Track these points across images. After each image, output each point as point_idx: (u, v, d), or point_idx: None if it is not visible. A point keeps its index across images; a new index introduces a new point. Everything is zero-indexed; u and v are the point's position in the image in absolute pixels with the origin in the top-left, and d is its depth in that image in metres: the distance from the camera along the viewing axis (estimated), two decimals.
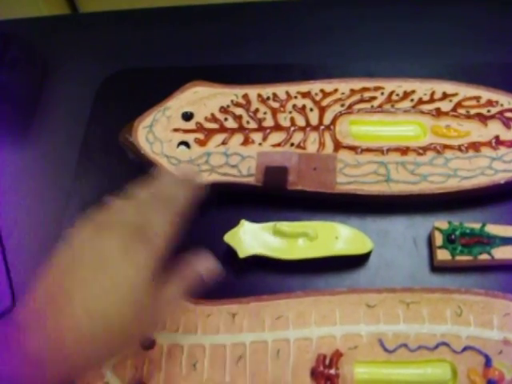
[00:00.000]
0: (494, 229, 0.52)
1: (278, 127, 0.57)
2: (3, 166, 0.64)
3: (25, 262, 0.58)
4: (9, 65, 0.71)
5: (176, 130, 0.58)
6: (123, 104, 0.65)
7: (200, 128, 0.58)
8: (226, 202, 0.57)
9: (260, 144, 0.57)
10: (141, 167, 0.59)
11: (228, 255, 0.54)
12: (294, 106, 0.59)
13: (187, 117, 0.59)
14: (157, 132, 0.58)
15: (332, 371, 0.46)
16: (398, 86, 0.59)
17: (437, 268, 0.53)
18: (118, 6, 0.76)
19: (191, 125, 0.58)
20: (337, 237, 0.52)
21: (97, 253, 0.39)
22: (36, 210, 0.61)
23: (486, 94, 0.58)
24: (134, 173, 0.59)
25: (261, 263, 0.53)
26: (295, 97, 0.59)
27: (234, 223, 0.54)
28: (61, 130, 0.65)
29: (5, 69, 0.71)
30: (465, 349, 0.47)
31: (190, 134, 0.58)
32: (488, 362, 0.46)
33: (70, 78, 0.70)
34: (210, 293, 0.51)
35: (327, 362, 0.47)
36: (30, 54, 0.72)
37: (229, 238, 0.53)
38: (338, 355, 0.47)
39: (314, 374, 0.47)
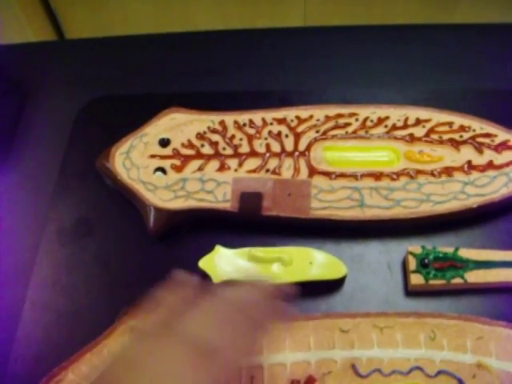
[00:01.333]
0: (466, 253, 0.53)
1: (253, 153, 0.58)
2: None
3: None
4: None
5: (153, 156, 0.59)
6: (101, 130, 0.65)
7: (176, 154, 0.58)
8: (201, 228, 0.57)
9: (236, 170, 0.57)
10: (118, 193, 0.60)
11: (204, 280, 0.54)
12: (270, 132, 0.59)
13: (164, 143, 0.59)
14: (134, 158, 0.59)
15: None
16: (372, 112, 0.60)
17: (411, 292, 0.53)
18: (103, 33, 0.77)
19: (168, 151, 0.59)
20: (311, 262, 0.53)
21: (155, 372, 0.34)
22: (12, 235, 0.61)
23: (458, 120, 0.59)
24: (112, 199, 0.60)
25: None
26: (271, 123, 0.60)
27: (209, 249, 0.54)
28: (38, 155, 0.66)
29: None
30: (438, 373, 0.47)
31: (167, 160, 0.58)
32: None
33: (49, 103, 0.70)
34: None
35: None
36: (9, 80, 0.72)
37: (204, 263, 0.53)
38: (311, 381, 0.47)
39: None
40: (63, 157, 0.64)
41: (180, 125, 0.60)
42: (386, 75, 0.68)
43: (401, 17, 0.92)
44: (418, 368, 0.47)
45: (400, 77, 0.67)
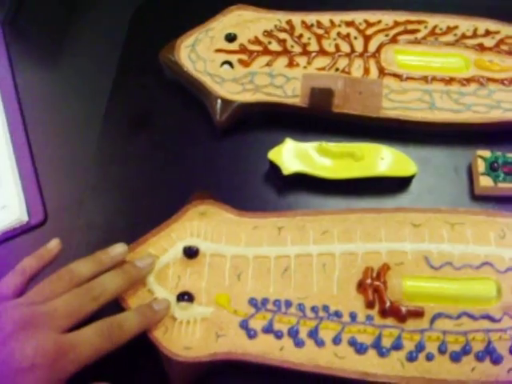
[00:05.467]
0: None
1: (322, 52, 0.57)
2: (38, 86, 0.63)
3: (57, 179, 0.58)
4: None
5: (219, 50, 0.58)
6: (161, 27, 0.64)
7: (244, 49, 0.58)
8: (269, 123, 0.56)
9: (305, 67, 0.56)
10: (180, 88, 0.59)
11: (272, 173, 0.53)
12: (339, 33, 0.58)
13: (230, 38, 0.58)
14: (200, 51, 0.58)
15: (380, 283, 0.46)
16: (441, 20, 0.59)
17: (477, 197, 0.53)
18: None
19: (234, 46, 0.58)
20: (382, 158, 0.52)
21: None
22: (70, 129, 0.60)
23: None
24: (173, 93, 0.59)
25: (305, 182, 0.53)
26: (339, 25, 0.59)
27: (277, 143, 0.54)
28: (96, 51, 0.64)
29: None
30: (508, 269, 0.47)
31: (234, 54, 0.57)
32: None
33: (104, 4, 0.68)
34: (254, 207, 0.51)
35: (374, 274, 0.47)
36: None
37: (273, 155, 0.53)
38: (385, 269, 0.47)
39: (361, 285, 0.47)
40: (121, 52, 0.63)
41: (246, 21, 0.59)
42: None
43: None
44: (488, 264, 0.47)
45: None
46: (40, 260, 0.44)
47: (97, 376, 0.42)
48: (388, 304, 0.46)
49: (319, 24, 0.59)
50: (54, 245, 0.45)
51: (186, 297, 0.47)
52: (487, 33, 0.59)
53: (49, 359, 0.39)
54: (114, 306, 0.47)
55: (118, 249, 0.47)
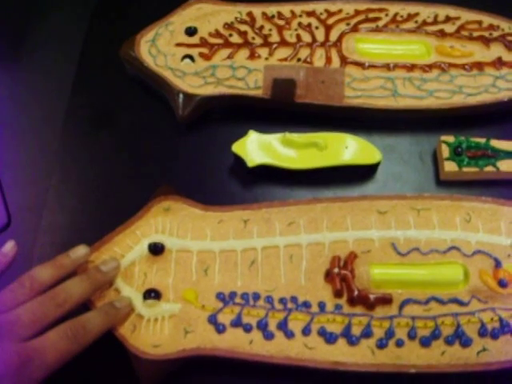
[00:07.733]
0: (498, 144, 0.53)
1: (284, 43, 0.57)
2: None
3: (19, 182, 0.56)
4: None
5: (179, 44, 0.57)
6: (120, 22, 0.63)
7: (204, 43, 0.57)
8: (232, 116, 0.56)
9: (266, 58, 0.56)
10: (141, 84, 0.58)
11: (236, 165, 0.53)
12: (300, 23, 0.58)
13: (191, 32, 0.57)
14: (160, 46, 0.57)
15: (347, 271, 0.46)
16: (401, 8, 0.59)
17: (443, 182, 0.53)
18: None
19: (195, 40, 0.57)
20: (347, 147, 0.52)
21: None
22: (32, 128, 0.59)
23: (487, 19, 0.59)
24: (135, 89, 0.58)
25: (269, 173, 0.52)
26: (300, 15, 0.59)
27: (241, 136, 0.53)
28: (56, 49, 0.63)
29: None
30: (475, 253, 0.47)
31: (194, 48, 0.57)
32: (498, 264, 0.47)
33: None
34: (219, 201, 0.50)
35: (342, 263, 0.47)
36: None
37: (237, 147, 0.52)
38: (352, 257, 0.47)
39: (328, 275, 0.46)
40: (81, 49, 0.62)
41: (207, 15, 0.59)
42: None
43: None
44: (455, 248, 0.47)
45: None
46: None
47: (67, 377, 0.41)
48: (356, 292, 0.45)
49: (280, 15, 0.59)
50: (9, 248, 0.44)
51: (152, 294, 0.46)
52: (448, 19, 0.59)
53: (13, 369, 0.38)
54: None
55: (80, 251, 0.46)
